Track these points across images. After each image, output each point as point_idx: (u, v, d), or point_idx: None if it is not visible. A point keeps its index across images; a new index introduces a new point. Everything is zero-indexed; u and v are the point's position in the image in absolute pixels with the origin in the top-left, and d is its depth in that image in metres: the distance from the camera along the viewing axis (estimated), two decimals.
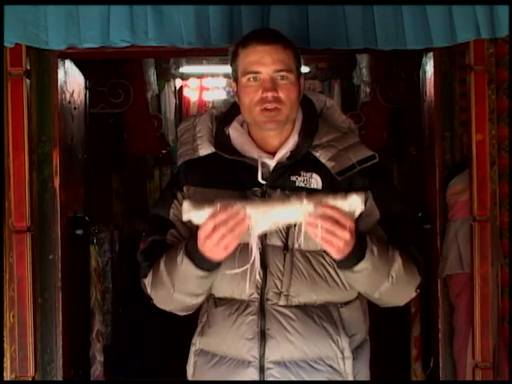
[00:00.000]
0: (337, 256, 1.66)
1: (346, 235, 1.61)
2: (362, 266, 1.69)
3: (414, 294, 1.87)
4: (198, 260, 1.69)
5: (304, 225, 1.60)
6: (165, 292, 1.81)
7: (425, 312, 3.52)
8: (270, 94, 1.79)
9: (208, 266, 1.69)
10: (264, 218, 1.62)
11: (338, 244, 1.62)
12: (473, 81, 2.84)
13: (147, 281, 1.84)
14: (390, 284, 1.76)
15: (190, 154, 1.92)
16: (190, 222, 1.68)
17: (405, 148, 5.57)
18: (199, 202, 1.67)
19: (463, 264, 2.97)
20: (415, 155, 5.16)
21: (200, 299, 1.84)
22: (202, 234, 1.63)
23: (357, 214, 1.63)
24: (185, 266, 1.71)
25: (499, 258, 2.94)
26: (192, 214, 1.64)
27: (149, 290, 1.85)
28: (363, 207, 1.63)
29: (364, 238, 1.69)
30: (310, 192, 1.80)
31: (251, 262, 1.67)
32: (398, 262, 1.75)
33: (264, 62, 1.80)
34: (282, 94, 1.80)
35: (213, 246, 1.63)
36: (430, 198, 3.18)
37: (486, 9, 2.64)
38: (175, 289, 1.79)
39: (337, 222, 1.59)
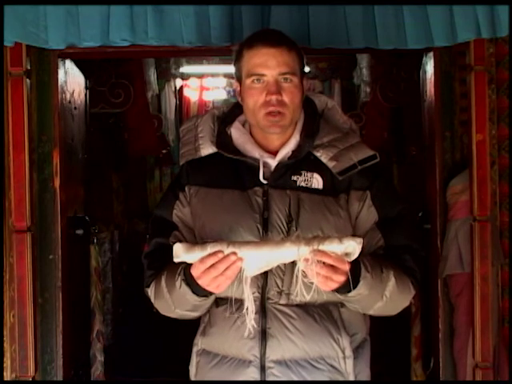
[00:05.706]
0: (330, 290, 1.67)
1: (342, 278, 1.62)
2: (356, 292, 1.70)
3: (407, 304, 1.89)
4: (194, 287, 1.70)
5: (300, 272, 1.61)
6: (167, 306, 1.84)
7: (425, 312, 3.51)
8: (274, 98, 1.80)
9: (204, 293, 1.71)
10: (257, 259, 1.62)
11: (332, 286, 1.64)
12: (473, 81, 2.84)
13: (150, 291, 1.87)
14: (383, 303, 1.78)
15: (192, 154, 1.92)
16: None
17: (405, 148, 5.56)
18: (190, 244, 1.66)
19: (463, 264, 2.97)
20: (415, 155, 5.16)
21: (202, 312, 1.86)
22: (194, 274, 1.66)
23: (354, 256, 1.61)
24: (183, 290, 1.73)
25: (499, 258, 2.94)
26: (183, 257, 1.64)
27: (152, 300, 1.87)
28: (360, 250, 1.61)
29: (358, 264, 1.68)
30: (311, 192, 1.80)
31: (245, 307, 1.67)
32: (392, 282, 1.76)
33: (269, 64, 1.80)
34: (285, 98, 1.81)
35: (205, 285, 1.66)
36: (430, 198, 3.18)
37: (487, 8, 2.64)
38: (175, 306, 1.82)
39: (333, 267, 1.60)
